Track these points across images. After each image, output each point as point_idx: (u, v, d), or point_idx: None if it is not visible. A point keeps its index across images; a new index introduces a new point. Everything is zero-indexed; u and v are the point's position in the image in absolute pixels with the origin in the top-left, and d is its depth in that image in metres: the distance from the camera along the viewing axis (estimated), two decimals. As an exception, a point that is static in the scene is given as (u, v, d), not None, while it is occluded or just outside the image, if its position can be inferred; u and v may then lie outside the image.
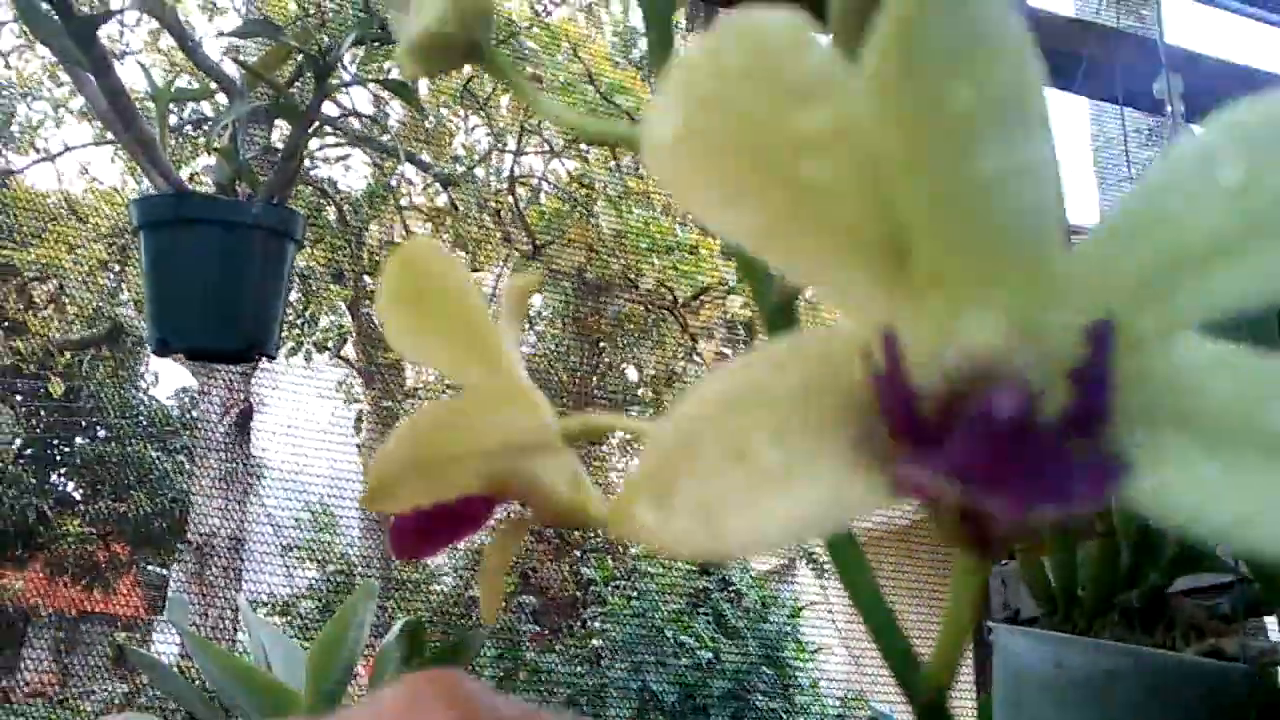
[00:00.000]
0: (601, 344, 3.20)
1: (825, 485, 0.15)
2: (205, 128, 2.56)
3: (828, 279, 0.16)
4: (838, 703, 3.04)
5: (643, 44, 3.75)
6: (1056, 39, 1.40)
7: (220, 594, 2.91)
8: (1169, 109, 1.16)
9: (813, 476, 0.15)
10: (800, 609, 3.17)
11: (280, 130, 2.69)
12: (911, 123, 0.15)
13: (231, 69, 1.24)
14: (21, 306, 3.12)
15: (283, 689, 0.83)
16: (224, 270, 1.01)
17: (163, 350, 1.03)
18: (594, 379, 3.19)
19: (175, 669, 1.63)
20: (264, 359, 1.14)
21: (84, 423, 3.73)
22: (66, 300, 3.09)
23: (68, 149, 3.06)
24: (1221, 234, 0.15)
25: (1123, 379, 0.15)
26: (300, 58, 1.14)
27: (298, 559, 3.30)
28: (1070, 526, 0.65)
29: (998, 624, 0.64)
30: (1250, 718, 0.55)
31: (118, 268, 3.09)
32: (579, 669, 2.72)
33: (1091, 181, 2.63)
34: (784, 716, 2.78)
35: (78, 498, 4.10)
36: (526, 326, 3.19)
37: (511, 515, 0.31)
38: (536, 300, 3.27)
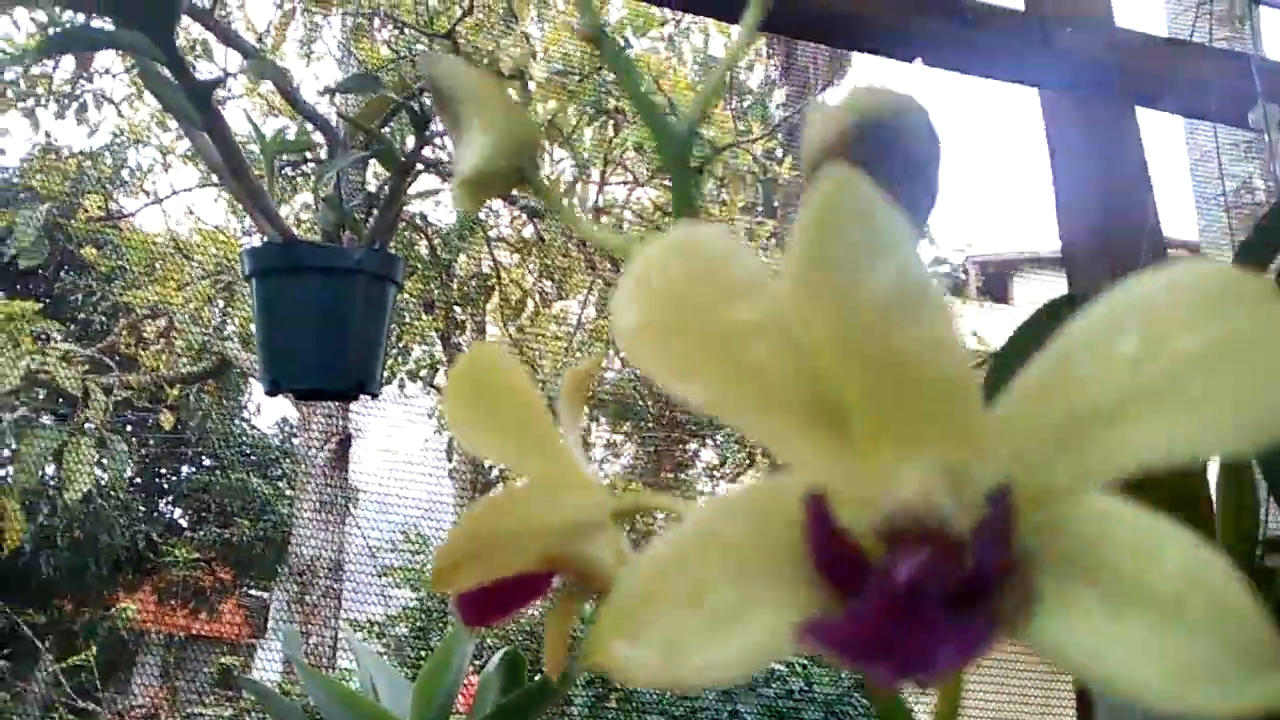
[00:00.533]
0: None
1: (771, 627, 0.17)
2: (302, 169, 2.66)
3: (773, 439, 0.18)
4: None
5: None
6: (1150, 59, 1.39)
7: (320, 617, 2.99)
8: (1268, 138, 1.14)
9: (761, 619, 0.17)
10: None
11: (375, 170, 2.77)
12: (829, 315, 0.17)
13: (327, 109, 1.30)
14: (133, 343, 3.26)
15: (388, 717, 0.87)
16: (330, 314, 1.06)
17: (274, 390, 1.08)
18: (676, 408, 3.20)
19: (279, 692, 1.69)
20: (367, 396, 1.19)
21: (190, 453, 3.87)
22: (175, 335, 3.23)
23: (175, 192, 3.20)
24: (1119, 399, 0.16)
25: (1031, 531, 0.16)
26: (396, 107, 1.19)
27: (394, 583, 3.37)
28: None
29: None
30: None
31: (222, 304, 3.22)
32: (669, 695, 2.73)
33: (1189, 199, 2.58)
34: (877, 745, 2.75)
35: (184, 525, 4.26)
36: (611, 353, 3.22)
37: (568, 586, 0.33)
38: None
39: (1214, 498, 0.62)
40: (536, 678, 0.93)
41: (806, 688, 2.79)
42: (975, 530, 0.16)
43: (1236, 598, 0.15)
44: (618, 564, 0.31)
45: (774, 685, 2.74)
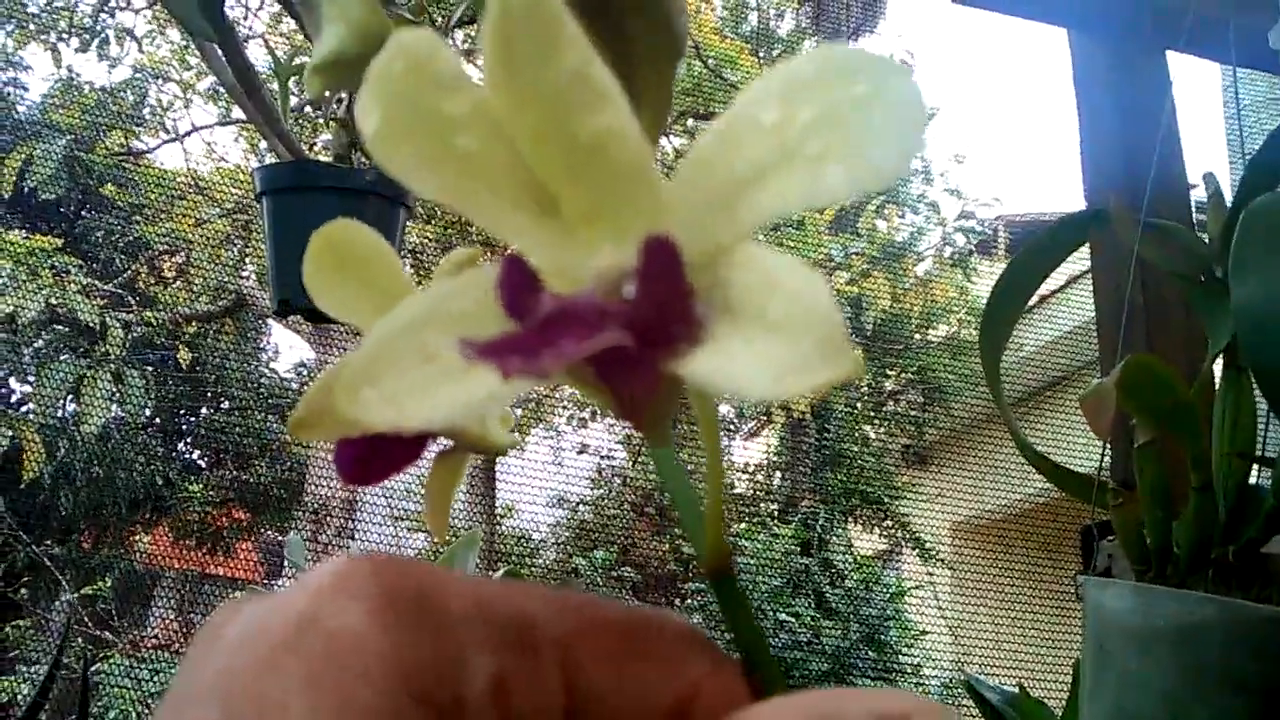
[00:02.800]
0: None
1: (484, 380, 0.19)
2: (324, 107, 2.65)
3: (498, 226, 0.20)
4: (941, 687, 3.00)
5: (752, 18, 3.72)
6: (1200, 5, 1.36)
7: (301, 539, 3.03)
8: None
9: (478, 375, 0.19)
10: (904, 591, 3.13)
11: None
12: (521, 105, 0.19)
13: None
14: (151, 280, 3.28)
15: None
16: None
17: (284, 310, 1.08)
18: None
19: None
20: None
21: (209, 394, 3.91)
22: (193, 273, 3.24)
23: (195, 129, 3.20)
24: (762, 161, 0.19)
25: (705, 288, 0.19)
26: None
27: (408, 528, 3.41)
28: (1167, 486, 0.64)
29: (1088, 577, 0.63)
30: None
31: (240, 243, 3.22)
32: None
33: (1223, 153, 2.53)
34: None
35: (202, 465, 4.31)
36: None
37: (445, 448, 0.34)
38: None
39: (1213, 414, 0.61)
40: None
41: (815, 639, 2.80)
42: (631, 275, 0.19)
43: (824, 305, 0.17)
44: (493, 423, 0.32)
45: (783, 635, 2.75)
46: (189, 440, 4.28)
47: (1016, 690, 0.92)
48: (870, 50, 0.19)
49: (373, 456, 0.30)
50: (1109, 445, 0.84)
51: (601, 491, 3.73)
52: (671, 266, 0.19)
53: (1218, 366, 0.62)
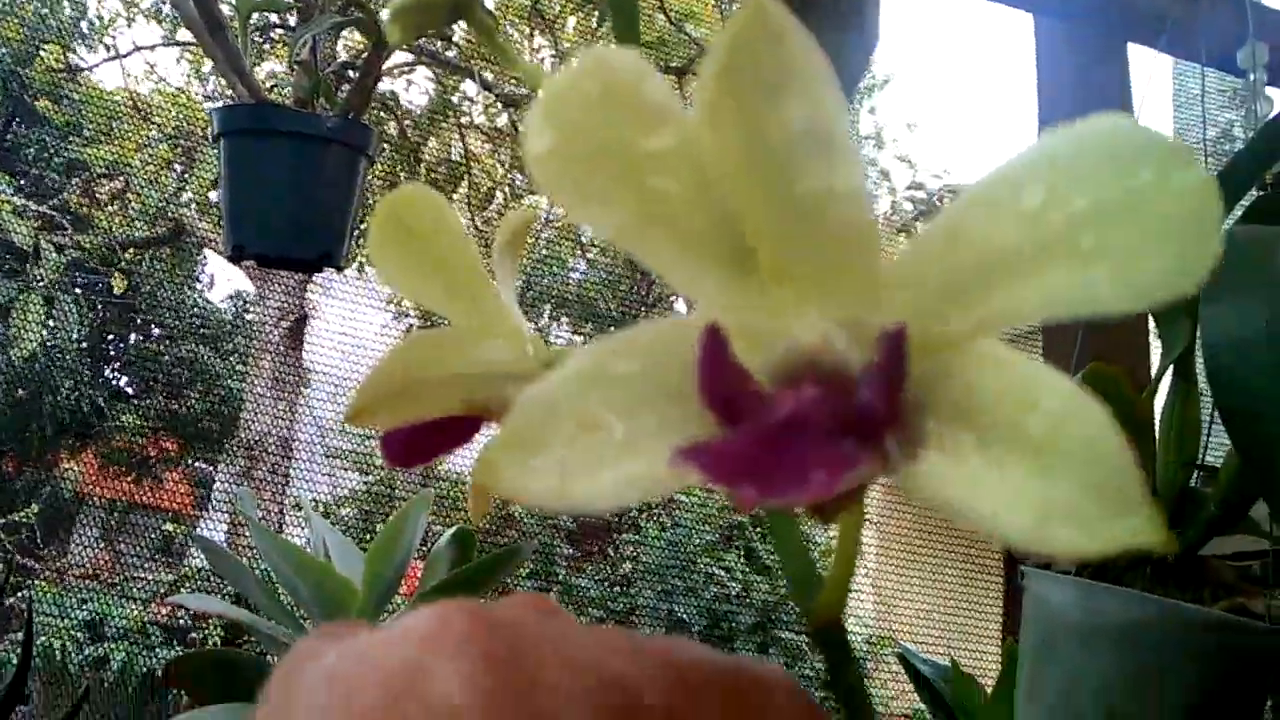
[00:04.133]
0: (652, 275, 3.20)
1: (659, 458, 0.17)
2: (271, 35, 2.58)
3: (680, 274, 0.18)
4: (864, 643, 3.08)
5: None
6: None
7: (267, 494, 3.00)
8: (1252, 76, 1.15)
9: (650, 450, 0.17)
10: (832, 550, 3.20)
11: (346, 42, 2.69)
12: (738, 149, 0.17)
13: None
14: (87, 202, 3.18)
15: (343, 581, 0.87)
16: (299, 181, 1.03)
17: (237, 255, 1.06)
18: (643, 310, 3.21)
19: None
20: (330, 270, 1.17)
21: (140, 320, 3.82)
22: (130, 198, 3.15)
23: (137, 48, 3.09)
24: (1016, 252, 0.16)
25: (925, 377, 0.17)
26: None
27: (342, 466, 3.38)
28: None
29: (1031, 569, 0.66)
30: (1271, 673, 0.57)
31: (180, 169, 3.13)
32: (610, 591, 2.79)
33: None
34: (808, 650, 2.84)
35: (131, 392, 4.21)
36: (578, 254, 3.20)
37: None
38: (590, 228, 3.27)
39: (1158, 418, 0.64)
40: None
41: (744, 592, 2.86)
42: (864, 369, 0.16)
43: (1106, 442, 0.15)
44: None
45: (712, 588, 2.81)
46: (117, 367, 4.19)
47: (949, 664, 0.95)
48: (1150, 130, 0.15)
49: (421, 442, 0.29)
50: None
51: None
52: (901, 361, 0.16)
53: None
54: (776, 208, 0.17)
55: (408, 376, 0.29)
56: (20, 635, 1.25)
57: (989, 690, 0.94)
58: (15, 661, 1.10)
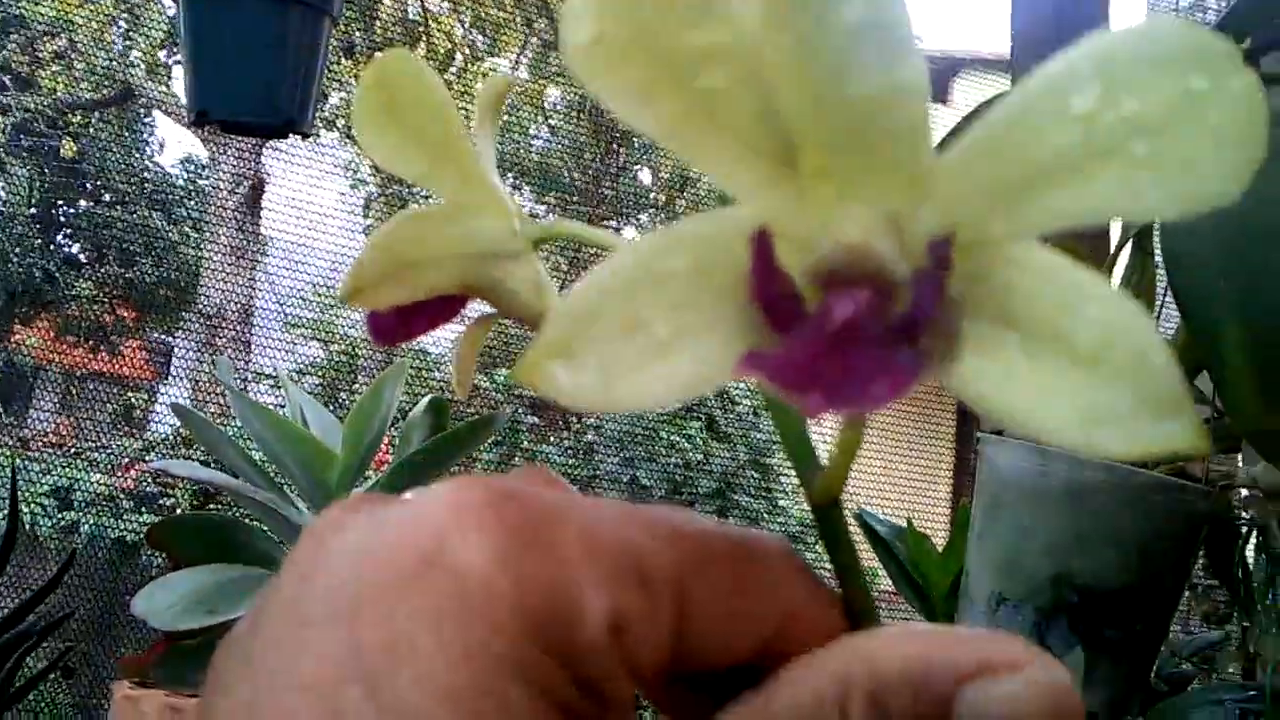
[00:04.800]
0: (617, 145, 3.17)
1: (704, 357, 0.17)
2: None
3: (723, 171, 0.18)
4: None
5: None
6: None
7: (229, 361, 2.99)
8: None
9: (695, 348, 0.17)
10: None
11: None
12: (793, 41, 0.16)
13: None
14: (27, 61, 3.06)
15: (322, 446, 0.89)
16: (264, 44, 1.01)
17: (201, 120, 1.04)
18: (606, 180, 3.18)
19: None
20: (293, 135, 1.16)
21: (90, 186, 3.72)
22: (75, 57, 3.03)
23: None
24: (1066, 156, 0.16)
25: (963, 276, 0.17)
26: None
27: (303, 336, 3.37)
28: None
29: (986, 434, 0.69)
30: (1204, 528, 0.61)
31: (125, 26, 3.01)
32: (573, 460, 2.85)
33: (1142, 11, 2.57)
34: (766, 515, 2.94)
35: (84, 260, 4.13)
36: (540, 120, 3.14)
37: (484, 314, 0.33)
38: (553, 93, 3.21)
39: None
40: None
41: (704, 460, 2.93)
42: (913, 276, 0.17)
43: (1154, 351, 0.15)
44: (534, 292, 0.30)
45: (674, 456, 2.87)
46: (69, 234, 4.09)
47: (904, 525, 1.01)
48: (1205, 32, 0.15)
49: (409, 321, 0.30)
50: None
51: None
52: (949, 267, 0.17)
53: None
54: (834, 106, 0.16)
55: (399, 258, 0.29)
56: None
57: (940, 549, 1.00)
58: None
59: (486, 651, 0.16)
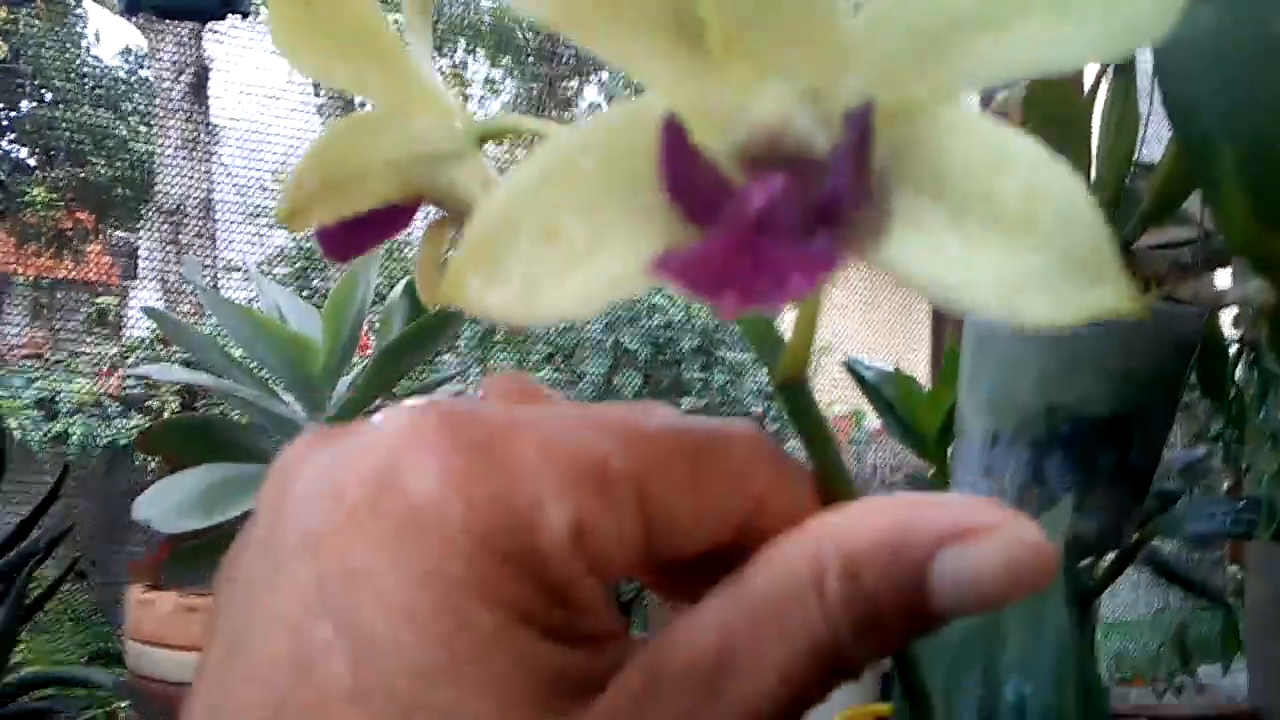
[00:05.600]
0: None
1: (623, 261, 0.16)
2: None
3: (630, 58, 0.17)
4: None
5: None
6: None
7: (196, 258, 2.95)
8: None
9: (612, 252, 0.16)
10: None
11: None
12: None
13: None
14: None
15: (303, 339, 0.88)
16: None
17: (133, 7, 0.99)
18: (560, 37, 3.07)
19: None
20: (232, 16, 1.10)
21: (28, 86, 3.59)
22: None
23: None
24: (986, 6, 0.15)
25: (889, 146, 0.16)
26: None
27: (268, 225, 3.32)
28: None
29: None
30: (1195, 350, 0.62)
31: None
32: (555, 328, 2.85)
33: None
34: (751, 365, 2.97)
35: (33, 164, 4.02)
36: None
37: (438, 217, 0.31)
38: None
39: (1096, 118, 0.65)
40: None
41: (686, 318, 2.94)
42: (832, 151, 0.16)
43: (1079, 211, 0.15)
44: (485, 191, 0.28)
45: (656, 316, 2.88)
46: (14, 138, 3.97)
47: (890, 369, 1.01)
48: None
49: (358, 233, 0.28)
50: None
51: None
52: (869, 140, 0.16)
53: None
54: None
55: (336, 171, 0.27)
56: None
57: (925, 390, 1.01)
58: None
59: (443, 572, 0.16)
